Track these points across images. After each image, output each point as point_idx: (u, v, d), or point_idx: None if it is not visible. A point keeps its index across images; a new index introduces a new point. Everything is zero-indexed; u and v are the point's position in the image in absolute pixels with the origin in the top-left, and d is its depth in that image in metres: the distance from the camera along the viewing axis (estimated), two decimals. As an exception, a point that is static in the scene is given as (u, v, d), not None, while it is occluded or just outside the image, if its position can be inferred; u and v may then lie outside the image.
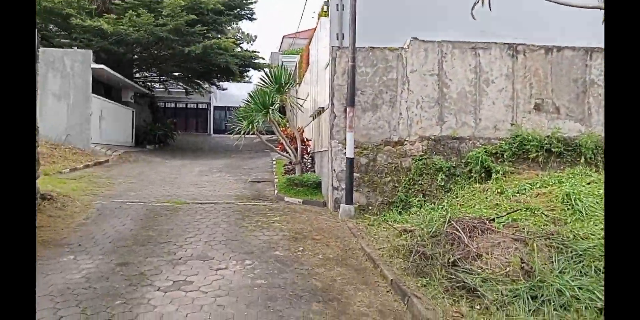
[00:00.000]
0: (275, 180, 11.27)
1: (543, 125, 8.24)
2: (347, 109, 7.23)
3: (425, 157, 7.99)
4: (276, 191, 9.58)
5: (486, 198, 6.86)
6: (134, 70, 23.58)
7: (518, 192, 6.64)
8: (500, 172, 7.57)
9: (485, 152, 7.94)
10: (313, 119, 11.29)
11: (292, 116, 9.83)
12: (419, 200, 7.67)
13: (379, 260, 4.87)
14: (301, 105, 9.57)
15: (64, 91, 16.08)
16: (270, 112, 8.56)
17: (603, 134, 7.53)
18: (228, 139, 9.91)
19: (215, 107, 35.60)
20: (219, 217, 7.26)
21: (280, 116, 9.07)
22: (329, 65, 8.36)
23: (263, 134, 10.03)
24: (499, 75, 8.29)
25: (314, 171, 10.63)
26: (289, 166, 10.93)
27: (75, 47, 16.73)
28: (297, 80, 9.93)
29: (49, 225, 6.54)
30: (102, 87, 19.86)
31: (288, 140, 9.90)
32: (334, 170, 7.82)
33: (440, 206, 7.43)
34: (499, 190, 6.96)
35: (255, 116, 8.91)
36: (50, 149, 14.49)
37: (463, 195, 7.54)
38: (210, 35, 19.71)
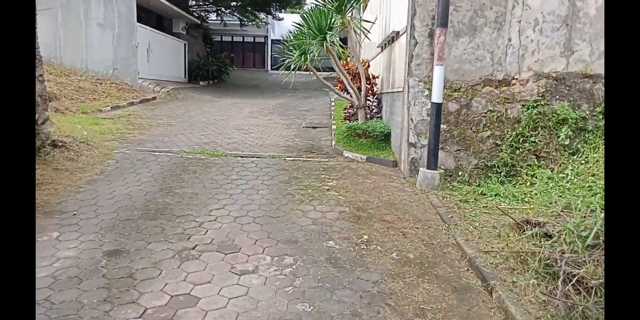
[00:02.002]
0: (333, 126, 9.42)
1: None
2: (437, 32, 5.02)
3: (541, 103, 5.71)
4: (334, 142, 7.77)
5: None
6: (187, -1, 21.67)
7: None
8: (658, 128, 5.18)
9: (634, 97, 5.50)
10: (382, 50, 9.03)
11: (355, 47, 7.75)
12: (529, 165, 5.57)
13: (492, 275, 3.02)
14: (368, 31, 7.34)
15: (109, 20, 14.67)
16: (328, 38, 6.48)
17: None
18: (286, 76, 8.19)
19: (273, 41, 33.22)
20: (260, 178, 5.64)
21: (341, 45, 7.00)
22: (410, -29, 5.99)
23: (320, 71, 8.02)
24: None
25: (381, 117, 8.61)
26: (349, 110, 8.96)
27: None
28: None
29: (51, 181, 5.25)
30: (154, 18, 18.32)
31: (350, 77, 7.84)
32: (412, 119, 5.79)
33: (561, 175, 5.31)
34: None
35: (309, 45, 6.89)
36: (95, 85, 13.45)
37: (597, 161, 5.32)
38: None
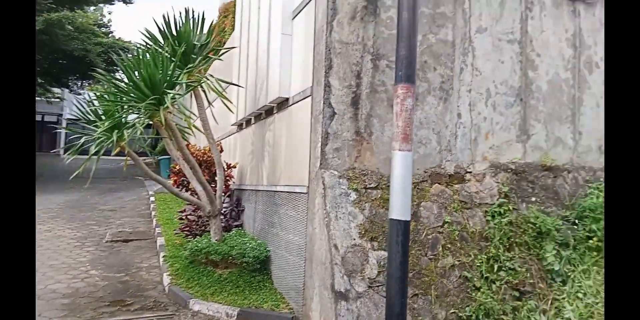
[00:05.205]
0: (160, 238, 6.12)
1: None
2: (398, 90, 2.73)
3: (508, 207, 3.83)
4: (167, 276, 4.50)
5: None
6: None
7: None
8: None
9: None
10: (240, 129, 6.48)
11: (206, 120, 5.03)
12: (514, 309, 3.44)
13: None
14: (228, 100, 4.68)
15: None
16: (169, 101, 3.59)
17: None
18: (86, 161, 4.78)
19: (69, 121, 27.70)
20: None
21: (191, 113, 4.20)
22: (307, 4, 3.84)
23: (141, 156, 4.93)
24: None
25: (241, 226, 5.76)
26: (189, 216, 5.84)
27: None
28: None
29: None
30: None
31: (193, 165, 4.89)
32: (335, 246, 3.18)
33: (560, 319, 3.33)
34: None
35: (129, 112, 3.88)
36: None
37: (592, 289, 3.55)
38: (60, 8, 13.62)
